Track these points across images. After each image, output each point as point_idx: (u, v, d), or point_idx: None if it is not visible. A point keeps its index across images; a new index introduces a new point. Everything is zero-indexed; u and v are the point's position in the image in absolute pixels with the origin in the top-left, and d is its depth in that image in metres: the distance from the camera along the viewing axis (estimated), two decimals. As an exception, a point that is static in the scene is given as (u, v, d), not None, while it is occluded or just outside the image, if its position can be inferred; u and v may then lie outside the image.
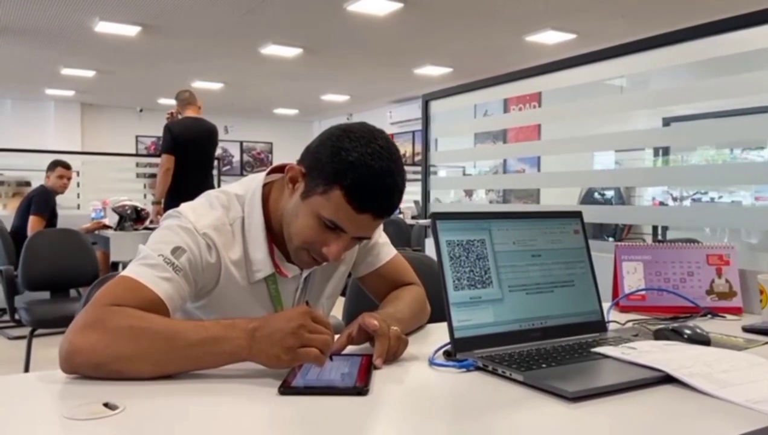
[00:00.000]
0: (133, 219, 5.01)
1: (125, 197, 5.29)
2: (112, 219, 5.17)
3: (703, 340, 1.16)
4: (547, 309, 1.18)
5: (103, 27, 6.50)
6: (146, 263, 1.05)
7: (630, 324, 1.38)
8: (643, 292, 1.51)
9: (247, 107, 11.97)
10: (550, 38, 6.55)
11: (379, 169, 1.05)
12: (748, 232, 5.03)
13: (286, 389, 0.89)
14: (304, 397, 0.87)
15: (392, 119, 10.95)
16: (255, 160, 13.75)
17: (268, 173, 1.23)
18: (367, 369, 0.98)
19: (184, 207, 1.15)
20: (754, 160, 5.75)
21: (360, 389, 0.89)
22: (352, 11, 5.88)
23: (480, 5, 5.70)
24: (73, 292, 3.85)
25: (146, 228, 4.98)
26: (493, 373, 0.98)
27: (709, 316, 1.47)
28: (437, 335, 1.26)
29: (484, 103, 6.92)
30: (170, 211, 1.16)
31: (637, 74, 5.47)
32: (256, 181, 1.21)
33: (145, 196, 6.83)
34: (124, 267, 1.11)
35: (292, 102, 11.78)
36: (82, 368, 0.93)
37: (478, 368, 1.01)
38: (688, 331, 1.18)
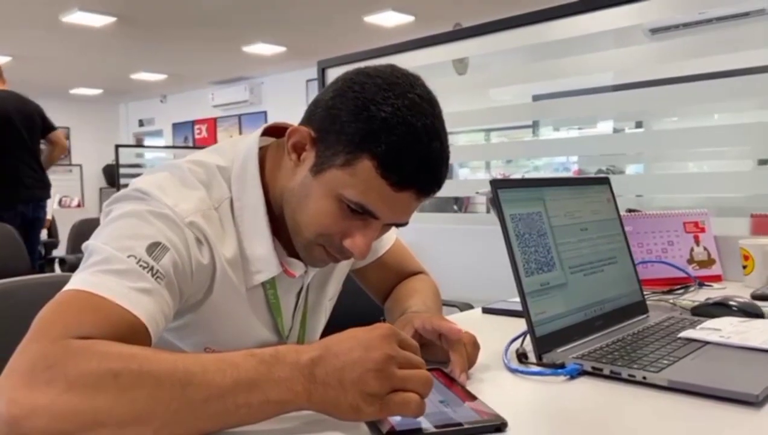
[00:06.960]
0: None
1: None
2: None
3: (757, 313, 1.06)
4: (603, 292, 1.00)
5: None
6: (110, 269, 0.67)
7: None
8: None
9: (42, 85, 10.36)
10: (390, 19, 6.48)
11: (423, 128, 0.75)
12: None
13: (395, 439, 0.60)
14: (423, 447, 0.59)
15: (214, 102, 10.17)
16: (51, 147, 12.06)
17: (262, 135, 0.88)
18: (463, 390, 0.73)
19: (146, 184, 0.77)
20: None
21: (498, 425, 0.63)
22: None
23: (322, -21, 5.43)
24: None
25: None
26: (613, 377, 0.78)
27: (697, 285, 1.41)
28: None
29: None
30: (125, 191, 0.77)
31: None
32: (244, 145, 0.85)
33: None
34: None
35: (96, 80, 10.45)
36: None
37: (583, 373, 0.80)
38: (734, 304, 1.08)
